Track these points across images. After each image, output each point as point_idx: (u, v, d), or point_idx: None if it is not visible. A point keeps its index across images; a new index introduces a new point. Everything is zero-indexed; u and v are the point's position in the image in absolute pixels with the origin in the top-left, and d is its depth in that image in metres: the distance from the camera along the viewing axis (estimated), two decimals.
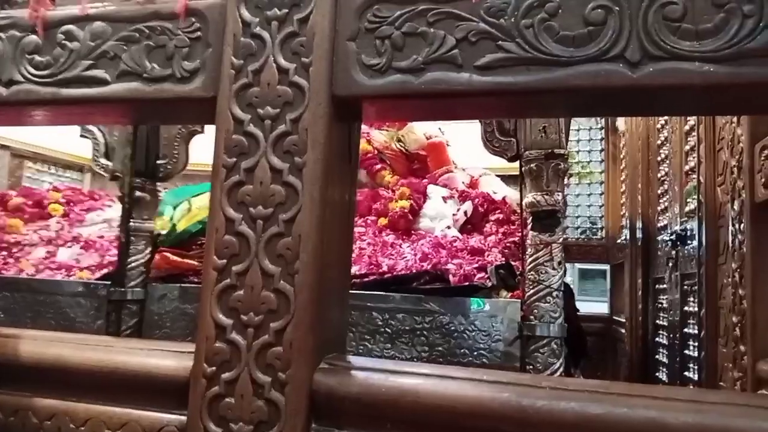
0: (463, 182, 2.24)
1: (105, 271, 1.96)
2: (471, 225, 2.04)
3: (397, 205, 1.98)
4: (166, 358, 0.79)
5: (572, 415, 0.63)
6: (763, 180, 1.37)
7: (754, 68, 0.64)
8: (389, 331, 1.44)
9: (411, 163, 2.37)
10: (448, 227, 1.91)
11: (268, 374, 0.71)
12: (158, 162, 1.73)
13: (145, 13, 0.84)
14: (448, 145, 2.49)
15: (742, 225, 1.47)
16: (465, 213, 1.98)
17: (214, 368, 0.73)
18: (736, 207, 1.52)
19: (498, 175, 2.68)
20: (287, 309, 0.72)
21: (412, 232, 1.95)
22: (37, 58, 0.87)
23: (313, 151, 0.74)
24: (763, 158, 1.37)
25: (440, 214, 1.95)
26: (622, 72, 0.67)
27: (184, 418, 0.74)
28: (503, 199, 2.17)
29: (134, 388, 0.78)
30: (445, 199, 2.03)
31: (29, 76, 0.87)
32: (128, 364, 0.80)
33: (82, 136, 1.92)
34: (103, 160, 1.82)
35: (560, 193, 1.39)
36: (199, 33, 0.81)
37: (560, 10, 0.69)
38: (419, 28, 0.73)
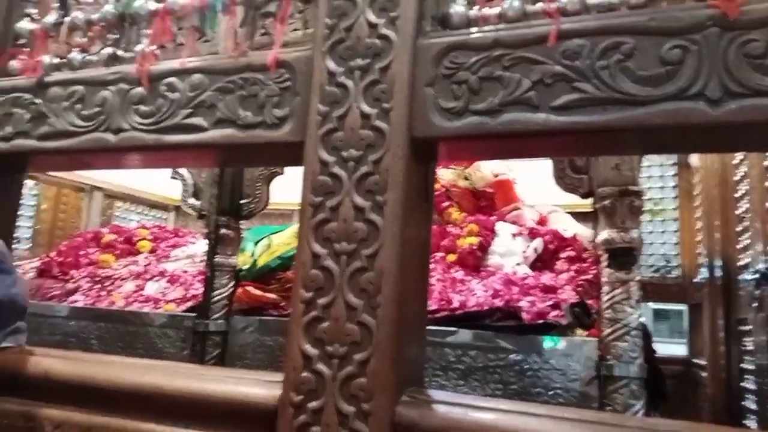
0: (531, 219, 2.23)
1: (189, 303, 2.07)
2: (541, 262, 2.01)
3: (465, 241, 1.99)
4: (255, 386, 0.83)
5: None
6: None
7: None
8: (461, 367, 1.44)
9: (478, 200, 2.39)
10: (518, 264, 1.90)
11: (353, 404, 0.74)
12: (242, 201, 1.84)
13: (239, 66, 0.92)
14: (515, 182, 2.49)
15: None
16: (535, 250, 1.97)
17: (301, 397, 0.76)
18: None
19: (567, 212, 2.64)
20: (370, 341, 0.75)
21: (481, 268, 1.95)
22: (142, 108, 0.97)
23: (393, 190, 0.78)
24: None
25: (510, 251, 1.95)
26: (702, 110, 0.68)
27: None
28: (574, 236, 2.14)
29: (225, 414, 0.83)
30: (514, 236, 2.03)
31: (135, 125, 0.97)
32: (218, 391, 0.84)
33: (172, 177, 2.07)
34: (191, 200, 1.95)
35: (636, 230, 1.36)
36: (288, 83, 0.88)
37: (636, 51, 0.71)
38: (495, 73, 0.77)
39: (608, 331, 1.32)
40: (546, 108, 0.74)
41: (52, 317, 1.99)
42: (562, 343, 1.39)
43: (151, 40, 0.99)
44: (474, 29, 0.80)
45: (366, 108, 0.81)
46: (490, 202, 2.33)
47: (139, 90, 0.97)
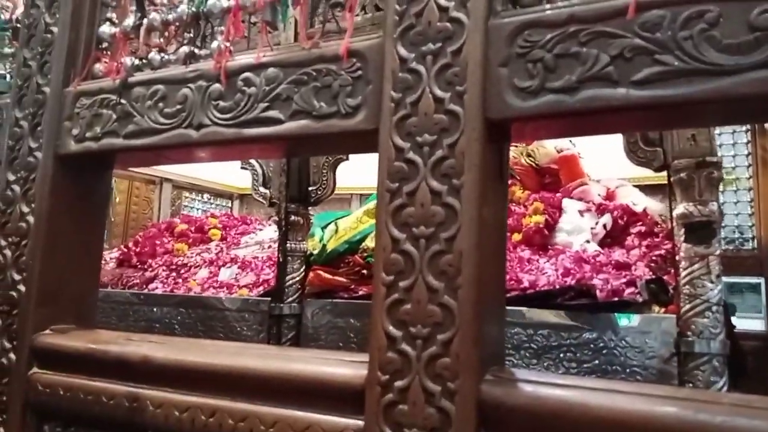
0: (599, 194, 2.17)
1: (261, 288, 2.15)
2: (611, 238, 1.97)
3: (531, 220, 1.97)
4: (341, 366, 0.87)
5: None
6: None
7: None
8: (534, 347, 1.44)
9: (542, 177, 2.35)
10: (587, 241, 1.87)
11: (438, 383, 0.76)
12: (309, 188, 1.88)
13: (312, 57, 0.94)
14: (580, 157, 2.43)
15: None
16: (604, 226, 1.92)
17: (387, 376, 0.79)
18: None
19: (634, 185, 2.56)
20: (452, 322, 0.76)
21: (549, 247, 1.93)
22: (221, 103, 1.01)
23: (470, 173, 0.78)
24: None
25: (577, 228, 1.91)
26: None
27: (361, 422, 0.81)
28: (644, 210, 2.08)
29: (313, 393, 0.87)
30: (581, 212, 1.98)
31: (215, 120, 1.01)
32: (306, 371, 0.88)
33: (242, 167, 2.15)
34: (261, 189, 2.02)
35: (714, 203, 1.31)
36: (360, 72, 0.90)
37: (721, 19, 0.68)
38: (571, 49, 0.76)
39: (687, 307, 1.29)
40: (626, 83, 0.72)
41: (136, 304, 2.12)
42: (637, 321, 1.37)
43: (225, 37, 1.03)
44: (547, 6, 0.79)
45: (439, 92, 0.81)
46: (555, 178, 2.29)
47: (217, 86, 1.01)
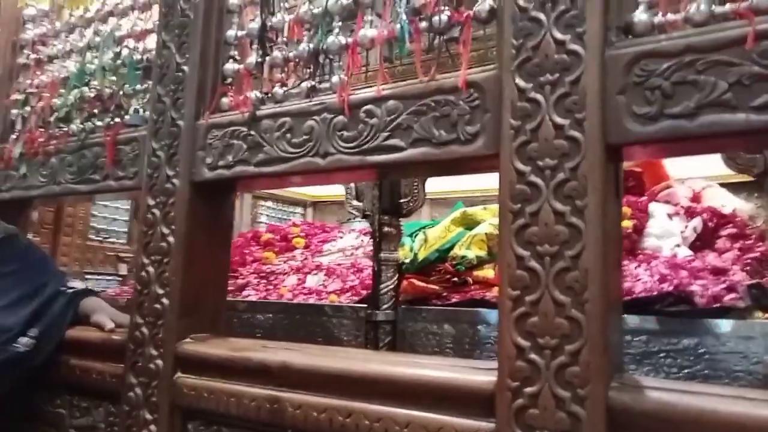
0: (685, 197, 2.16)
1: (348, 294, 2.26)
2: (700, 242, 1.96)
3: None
4: (471, 373, 0.94)
5: None
6: None
7: None
8: (633, 352, 1.47)
9: (626, 181, 2.34)
10: (678, 245, 1.87)
11: (568, 390, 0.83)
12: (400, 201, 1.98)
13: (431, 90, 1.03)
14: (664, 159, 2.41)
15: None
16: (695, 230, 1.92)
17: (517, 383, 0.86)
18: None
19: (721, 184, 2.52)
20: (580, 333, 0.83)
21: (638, 252, 1.94)
22: (345, 133, 1.11)
23: (593, 194, 0.85)
24: None
25: (667, 233, 1.92)
26: None
27: (492, 425, 0.89)
28: (733, 212, 2.05)
29: (444, 397, 0.95)
30: (670, 216, 1.98)
31: (340, 148, 1.11)
32: (438, 377, 0.97)
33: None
34: (354, 202, 2.13)
35: None
36: (477, 102, 0.97)
37: None
38: (688, 77, 0.81)
39: None
40: (745, 108, 0.77)
41: (239, 311, 2.27)
42: (740, 326, 1.38)
43: (346, 71, 1.13)
44: (662, 36, 0.85)
45: (558, 119, 0.88)
46: (638, 181, 2.29)
47: (341, 118, 1.11)
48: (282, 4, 1.30)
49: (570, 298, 0.84)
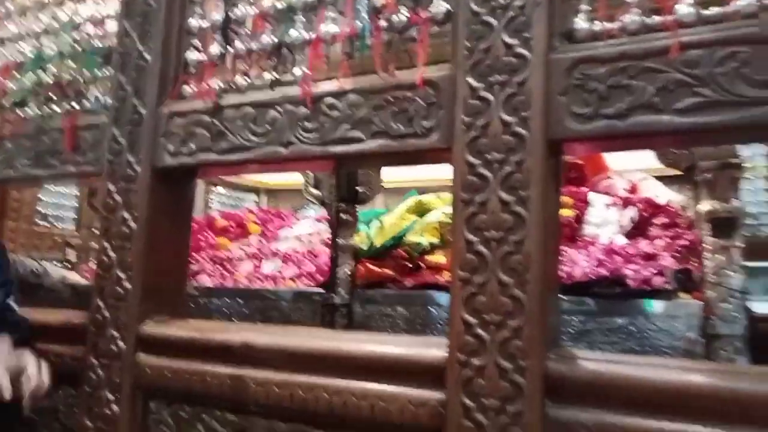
0: (623, 188, 2.31)
1: (304, 279, 2.32)
2: (635, 230, 2.11)
3: (562, 213, 2.11)
4: (423, 348, 1.02)
5: None
6: None
7: None
8: (571, 331, 1.60)
9: (568, 172, 2.48)
10: (615, 234, 2.01)
11: (510, 362, 0.92)
12: (357, 189, 2.04)
13: (390, 85, 1.09)
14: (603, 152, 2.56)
15: None
16: (631, 219, 2.07)
17: (465, 356, 0.95)
18: None
19: (657, 177, 2.69)
20: (521, 311, 0.92)
21: (577, 238, 2.08)
22: (308, 124, 1.16)
23: (536, 186, 0.93)
24: None
25: (605, 221, 2.06)
26: None
27: (443, 395, 0.97)
28: (667, 203, 2.21)
29: (399, 371, 1.02)
30: (608, 206, 2.13)
31: (303, 139, 1.16)
32: (392, 353, 1.04)
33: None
34: (312, 190, 2.18)
35: (737, 200, 1.46)
36: (433, 98, 1.05)
37: (751, 58, 0.82)
38: (622, 81, 0.90)
39: (712, 293, 1.44)
40: (670, 111, 0.87)
41: (192, 297, 2.29)
42: (667, 306, 1.52)
43: (308, 65, 1.18)
44: (600, 43, 0.94)
45: (506, 117, 0.96)
46: (580, 173, 2.43)
47: (304, 109, 1.16)
48: None
49: (513, 279, 0.93)
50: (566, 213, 2.14)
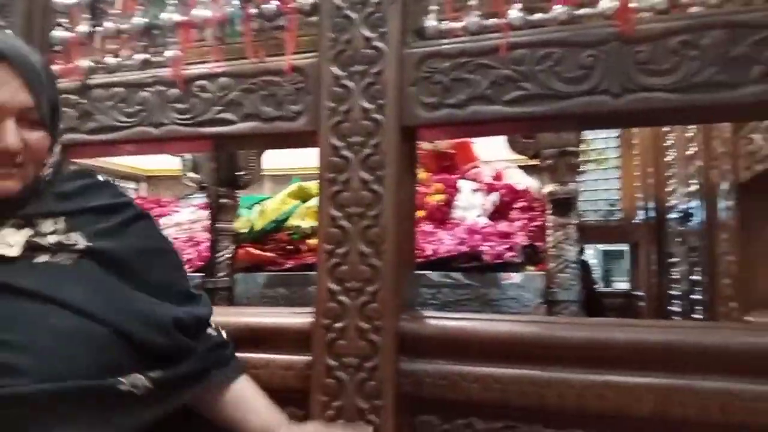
0: (489, 176, 2.53)
1: (186, 266, 2.31)
2: (498, 213, 2.33)
3: (433, 198, 2.28)
4: (291, 317, 1.11)
5: (580, 339, 0.94)
6: (744, 164, 1.64)
7: (699, 95, 0.93)
8: (436, 302, 1.75)
9: (442, 161, 2.67)
10: (479, 216, 2.21)
11: (368, 323, 1.02)
12: (237, 173, 2.06)
13: (260, 70, 1.15)
14: (473, 143, 2.78)
15: (730, 202, 1.75)
16: (493, 203, 2.28)
17: (329, 320, 1.04)
18: (725, 187, 1.79)
19: (520, 166, 2.97)
20: (378, 277, 1.03)
21: (447, 221, 2.25)
22: (179, 105, 1.19)
23: (390, 166, 1.05)
24: (743, 146, 1.64)
25: (471, 205, 2.25)
26: (607, 101, 0.96)
27: (309, 357, 1.06)
28: (525, 189, 2.46)
29: (269, 339, 1.10)
30: (474, 191, 2.32)
31: (174, 120, 1.19)
32: (263, 322, 1.12)
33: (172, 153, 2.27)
34: (191, 174, 2.16)
35: (573, 183, 1.68)
36: (301, 84, 1.12)
37: (562, 59, 0.99)
38: (462, 75, 1.03)
39: (553, 265, 1.65)
40: (500, 102, 1.01)
41: None
42: (517, 278, 1.72)
43: (180, 47, 1.21)
44: (445, 41, 1.06)
45: (366, 104, 1.06)
46: (452, 162, 2.62)
47: (175, 91, 1.19)
48: None
49: (372, 249, 1.04)
50: (438, 198, 2.31)
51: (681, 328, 0.95)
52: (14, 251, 0.77)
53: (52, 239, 0.79)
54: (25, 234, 0.79)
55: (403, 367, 1.02)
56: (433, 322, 1.04)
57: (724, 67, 0.91)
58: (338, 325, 1.04)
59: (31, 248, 0.78)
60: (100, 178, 0.94)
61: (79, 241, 0.81)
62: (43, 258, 0.78)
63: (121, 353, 0.76)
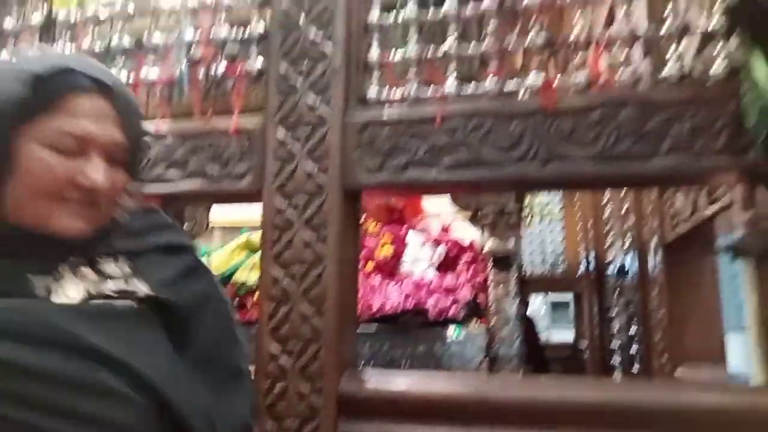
0: (437, 229, 2.59)
1: None
2: (445, 266, 2.38)
3: (382, 251, 2.31)
4: None
5: (515, 397, 0.97)
6: (669, 225, 1.75)
7: (617, 164, 1.00)
8: (380, 358, 1.76)
9: (391, 213, 2.72)
10: (427, 268, 2.25)
11: (308, 384, 1.03)
12: (184, 225, 2.05)
13: (206, 131, 1.18)
14: (421, 197, 2.86)
15: (657, 258, 1.85)
16: (440, 256, 2.33)
17: (270, 382, 1.04)
18: (654, 245, 1.90)
19: (468, 218, 3.05)
20: (319, 338, 1.04)
21: (395, 273, 2.28)
22: None
23: (333, 225, 1.07)
24: (667, 208, 1.75)
25: (418, 258, 2.29)
26: (536, 168, 1.03)
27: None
28: (471, 243, 2.52)
29: None
30: (422, 244, 2.37)
31: None
32: None
33: None
34: None
35: (512, 240, 1.75)
36: (247, 144, 1.15)
37: (493, 128, 1.05)
38: (401, 141, 1.09)
39: (494, 320, 1.70)
40: (437, 166, 1.06)
41: None
42: (460, 334, 1.75)
43: None
44: (386, 108, 1.12)
45: (309, 166, 1.10)
46: (401, 215, 2.67)
47: None
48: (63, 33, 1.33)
49: (314, 308, 1.05)
50: (386, 251, 2.34)
51: (610, 385, 1.00)
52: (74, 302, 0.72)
53: (113, 286, 0.73)
54: (85, 287, 0.72)
55: (342, 429, 1.02)
56: (373, 381, 1.05)
57: (638, 140, 0.99)
58: (278, 387, 1.04)
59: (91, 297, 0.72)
60: (164, 215, 0.87)
61: (141, 289, 0.73)
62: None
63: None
